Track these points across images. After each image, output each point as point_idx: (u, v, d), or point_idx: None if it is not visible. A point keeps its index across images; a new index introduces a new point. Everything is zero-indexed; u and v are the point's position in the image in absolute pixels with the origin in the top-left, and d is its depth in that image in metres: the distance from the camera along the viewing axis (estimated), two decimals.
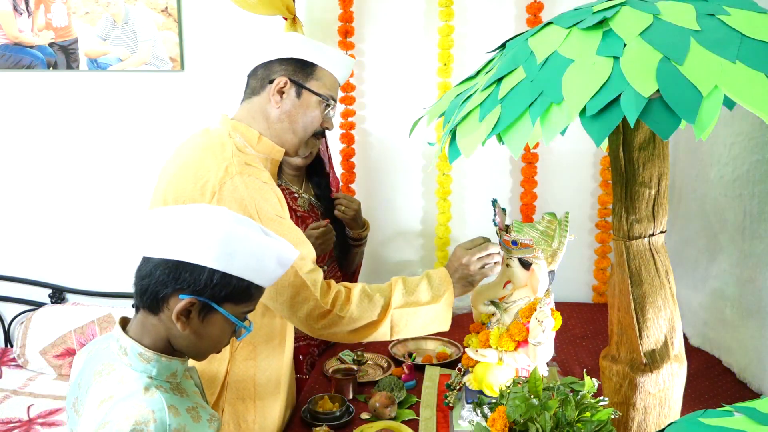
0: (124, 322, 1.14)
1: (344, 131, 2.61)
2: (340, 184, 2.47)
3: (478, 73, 1.23)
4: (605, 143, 1.39)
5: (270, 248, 1.08)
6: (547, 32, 1.08)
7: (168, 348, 1.11)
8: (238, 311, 1.10)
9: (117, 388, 1.04)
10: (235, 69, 2.72)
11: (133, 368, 1.07)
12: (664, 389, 1.25)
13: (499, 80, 1.05)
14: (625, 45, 0.95)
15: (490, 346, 1.50)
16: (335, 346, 2.10)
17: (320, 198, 2.15)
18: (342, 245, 2.22)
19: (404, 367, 1.81)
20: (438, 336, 2.11)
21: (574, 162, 2.57)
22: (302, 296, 1.41)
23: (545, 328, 1.38)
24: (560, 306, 1.60)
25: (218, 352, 1.16)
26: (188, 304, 1.05)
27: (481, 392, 1.51)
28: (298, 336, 1.90)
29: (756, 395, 1.69)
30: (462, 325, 2.24)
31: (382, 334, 1.48)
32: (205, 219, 1.05)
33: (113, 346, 1.11)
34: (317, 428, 1.53)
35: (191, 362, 1.20)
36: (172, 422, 1.00)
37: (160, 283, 1.06)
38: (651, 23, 0.98)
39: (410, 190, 2.69)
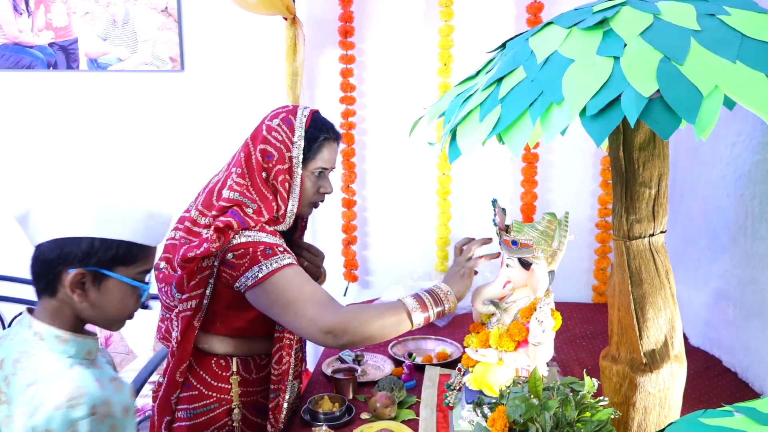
0: (31, 311, 1.16)
1: (344, 131, 2.61)
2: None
3: (478, 73, 1.23)
4: (605, 143, 1.39)
5: (143, 208, 1.13)
6: (548, 32, 1.08)
7: (80, 327, 1.15)
8: (132, 272, 1.14)
9: (41, 371, 1.07)
10: (235, 69, 2.73)
11: (52, 350, 1.10)
12: (664, 389, 1.25)
13: (500, 80, 1.05)
14: (625, 45, 0.95)
15: (490, 346, 1.50)
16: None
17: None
18: None
19: (404, 367, 1.81)
20: (438, 336, 2.11)
21: (574, 162, 2.57)
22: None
23: (545, 328, 1.38)
24: (560, 306, 1.59)
25: (129, 317, 1.20)
26: (78, 275, 1.09)
27: (481, 392, 1.51)
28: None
29: (757, 395, 1.69)
30: (462, 325, 2.25)
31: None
32: (77, 194, 1.10)
33: (25, 334, 1.13)
34: (317, 428, 1.53)
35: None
36: (100, 394, 1.05)
37: (49, 264, 1.10)
38: (651, 23, 0.98)
39: (410, 190, 2.69)
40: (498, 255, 1.55)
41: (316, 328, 1.41)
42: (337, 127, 1.68)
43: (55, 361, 1.09)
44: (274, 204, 1.53)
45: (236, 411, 1.57)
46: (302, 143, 1.55)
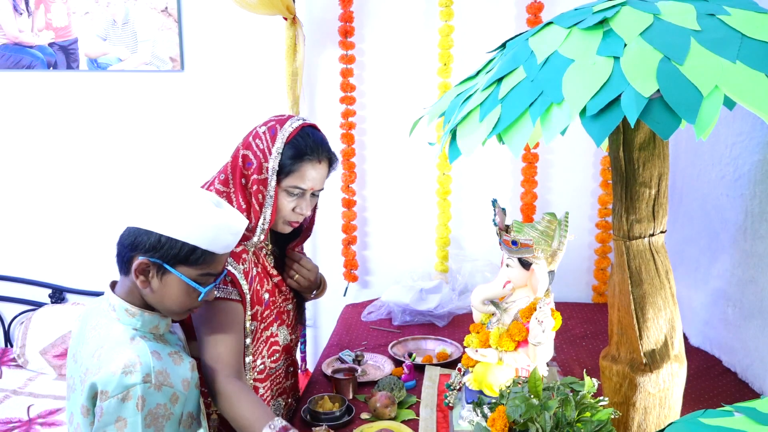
0: (114, 284, 1.30)
1: (344, 131, 2.61)
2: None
3: (478, 73, 1.23)
4: (605, 143, 1.39)
5: (215, 217, 1.22)
6: (548, 32, 1.08)
7: (149, 305, 1.27)
8: (194, 274, 1.24)
9: (107, 339, 1.21)
10: (235, 69, 2.73)
11: (121, 321, 1.24)
12: (664, 389, 1.25)
13: (500, 80, 1.05)
14: (625, 45, 0.95)
15: (490, 346, 1.50)
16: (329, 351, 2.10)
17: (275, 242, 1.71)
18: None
19: (404, 367, 1.81)
20: (438, 336, 2.11)
21: (574, 162, 2.57)
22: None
23: (545, 328, 1.38)
24: (560, 306, 1.60)
25: (190, 311, 1.30)
26: (142, 264, 1.21)
27: (481, 392, 1.51)
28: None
29: (757, 395, 1.69)
30: (462, 325, 2.25)
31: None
32: (161, 191, 1.23)
33: (104, 304, 1.28)
34: (317, 428, 1.53)
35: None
36: (155, 365, 1.18)
37: (126, 247, 1.23)
38: (651, 23, 0.98)
39: (410, 190, 2.69)
40: None
41: (211, 377, 1.40)
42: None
43: (121, 332, 1.22)
44: (244, 214, 1.47)
45: (214, 417, 1.55)
46: (279, 156, 1.46)
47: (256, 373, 1.55)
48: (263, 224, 1.49)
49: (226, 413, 1.38)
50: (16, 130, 2.89)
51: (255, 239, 1.50)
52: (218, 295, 1.43)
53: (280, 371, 1.65)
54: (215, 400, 1.40)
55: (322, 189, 1.56)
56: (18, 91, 2.86)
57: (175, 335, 1.38)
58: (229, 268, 1.45)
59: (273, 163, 1.47)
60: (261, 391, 1.56)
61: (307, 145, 1.49)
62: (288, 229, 1.56)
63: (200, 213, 1.21)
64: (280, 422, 1.32)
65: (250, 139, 1.51)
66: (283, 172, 1.48)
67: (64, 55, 2.78)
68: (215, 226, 1.22)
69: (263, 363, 1.56)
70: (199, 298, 1.27)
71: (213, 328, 1.43)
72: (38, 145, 2.88)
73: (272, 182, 1.47)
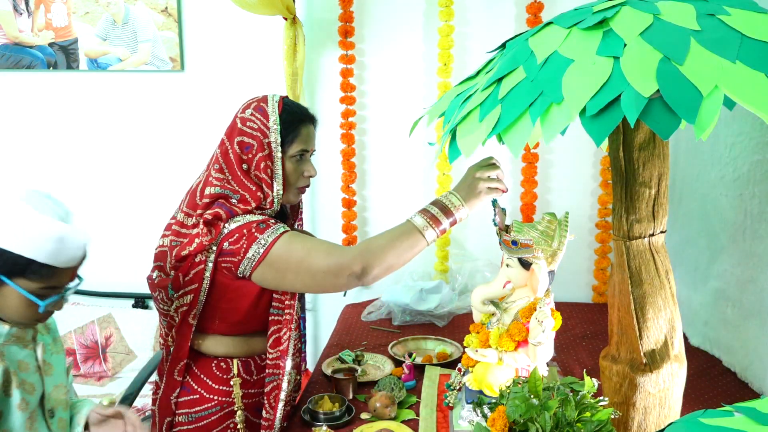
0: None
1: (344, 131, 2.61)
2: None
3: (478, 73, 1.23)
4: (605, 143, 1.39)
5: (54, 230, 1.16)
6: (548, 32, 1.08)
7: None
8: (34, 287, 1.18)
9: None
10: (235, 69, 2.73)
11: None
12: (664, 389, 1.25)
13: (500, 80, 1.05)
14: (625, 45, 0.95)
15: (490, 346, 1.50)
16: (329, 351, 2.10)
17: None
18: None
19: (404, 367, 1.81)
20: (438, 336, 2.11)
21: (574, 162, 2.57)
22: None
23: (545, 328, 1.38)
24: (560, 306, 1.59)
25: (34, 323, 1.25)
26: None
27: (481, 392, 1.51)
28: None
29: (756, 395, 1.69)
30: (462, 325, 2.25)
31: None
32: (2, 200, 1.17)
33: None
34: (317, 428, 1.53)
35: None
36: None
37: None
38: (651, 23, 0.98)
39: (410, 190, 2.69)
40: (505, 190, 1.51)
41: (335, 275, 1.46)
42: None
43: None
44: (260, 194, 1.53)
45: (239, 413, 1.56)
46: (278, 127, 1.55)
47: (278, 351, 1.55)
48: (278, 193, 1.56)
49: (385, 261, 1.48)
50: (16, 130, 2.89)
51: (274, 208, 1.56)
52: (273, 238, 1.47)
53: (298, 341, 1.64)
54: (367, 273, 1.46)
55: (315, 149, 1.66)
56: (18, 91, 2.86)
57: (47, 339, 1.32)
58: (265, 218, 1.52)
59: (274, 136, 1.55)
60: (287, 335, 1.55)
61: (296, 111, 1.61)
62: (297, 199, 1.65)
63: (37, 225, 1.16)
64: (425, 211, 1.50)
65: (240, 126, 1.56)
66: (285, 142, 1.56)
67: (64, 55, 2.78)
68: (55, 240, 1.16)
69: (288, 338, 1.56)
70: (40, 310, 1.21)
71: (295, 256, 1.46)
72: (38, 146, 2.88)
73: (278, 154, 1.55)
